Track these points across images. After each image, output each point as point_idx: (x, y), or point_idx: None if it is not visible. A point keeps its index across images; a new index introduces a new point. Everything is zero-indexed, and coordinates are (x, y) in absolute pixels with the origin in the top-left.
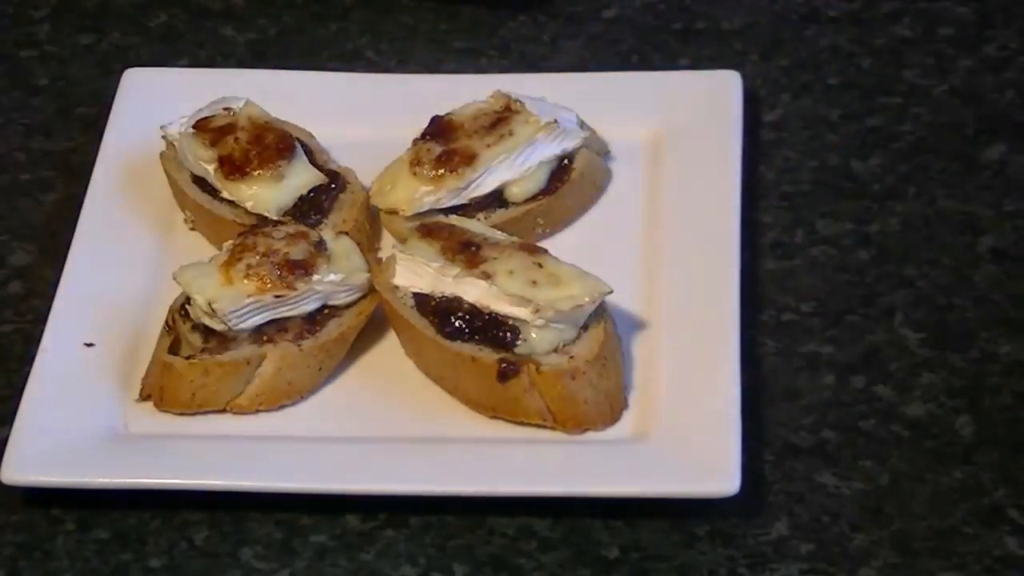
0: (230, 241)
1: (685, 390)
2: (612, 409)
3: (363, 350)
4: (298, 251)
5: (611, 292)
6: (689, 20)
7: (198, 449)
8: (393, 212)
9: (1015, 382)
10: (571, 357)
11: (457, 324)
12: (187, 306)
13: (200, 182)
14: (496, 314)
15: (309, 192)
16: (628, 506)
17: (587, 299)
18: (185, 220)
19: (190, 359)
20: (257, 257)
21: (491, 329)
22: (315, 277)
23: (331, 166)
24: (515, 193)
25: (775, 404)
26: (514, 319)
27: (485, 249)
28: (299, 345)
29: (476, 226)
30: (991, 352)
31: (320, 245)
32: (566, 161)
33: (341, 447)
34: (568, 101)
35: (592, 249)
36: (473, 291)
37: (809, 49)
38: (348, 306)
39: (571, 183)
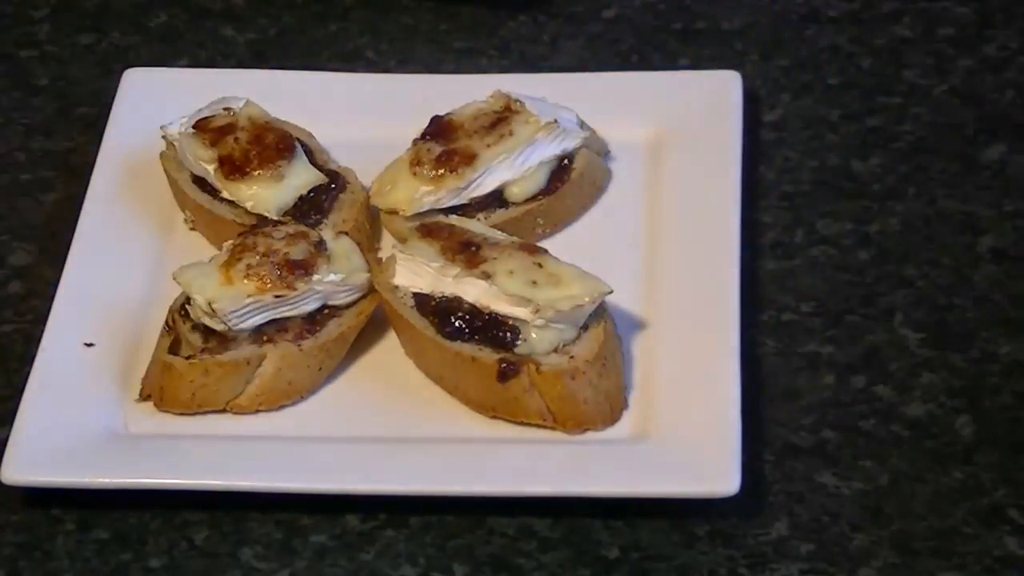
0: (230, 241)
1: (685, 390)
2: (612, 409)
3: (363, 350)
4: (298, 251)
5: (611, 292)
6: (689, 20)
7: (198, 449)
8: (393, 212)
9: (1015, 382)
10: (571, 357)
11: (457, 324)
12: (187, 306)
13: (200, 182)
14: (496, 314)
15: (309, 192)
16: (628, 506)
17: (587, 299)
18: (185, 220)
19: (190, 359)
20: (257, 257)
21: (491, 329)
22: (315, 277)
23: (331, 166)
24: (515, 193)
25: (775, 404)
26: (514, 319)
27: (485, 249)
28: (299, 345)
29: (476, 226)
30: (991, 352)
31: (320, 245)
32: (566, 161)
33: (341, 447)
34: (568, 101)
35: (592, 249)
36: (473, 291)
37: (809, 49)
38: (348, 306)
39: (571, 183)
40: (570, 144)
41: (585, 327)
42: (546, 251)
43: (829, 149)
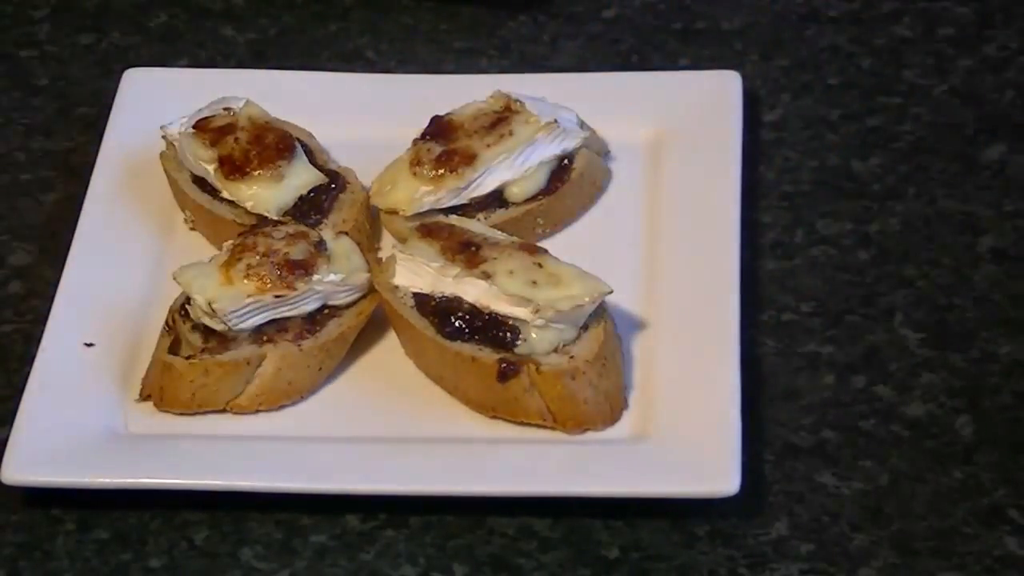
0: (230, 241)
1: (685, 390)
2: (612, 409)
3: (363, 350)
4: (298, 251)
5: (611, 292)
6: (689, 20)
7: (198, 449)
8: (393, 212)
9: (1015, 382)
10: (571, 357)
11: (457, 324)
12: (187, 306)
13: (200, 182)
14: (496, 314)
15: (309, 192)
16: (628, 506)
17: (587, 299)
18: (185, 220)
19: (190, 359)
20: (257, 257)
21: (491, 329)
22: (315, 277)
23: (331, 166)
24: (515, 193)
25: (775, 404)
26: (514, 319)
27: (485, 249)
28: (299, 345)
29: (476, 226)
30: (991, 352)
31: (320, 245)
32: (566, 161)
33: (341, 447)
34: (568, 101)
35: (592, 249)
36: (473, 291)
37: (809, 49)
38: (348, 306)
39: (571, 183)
40: (570, 144)
41: (585, 327)
42: (546, 251)
43: (829, 149)
